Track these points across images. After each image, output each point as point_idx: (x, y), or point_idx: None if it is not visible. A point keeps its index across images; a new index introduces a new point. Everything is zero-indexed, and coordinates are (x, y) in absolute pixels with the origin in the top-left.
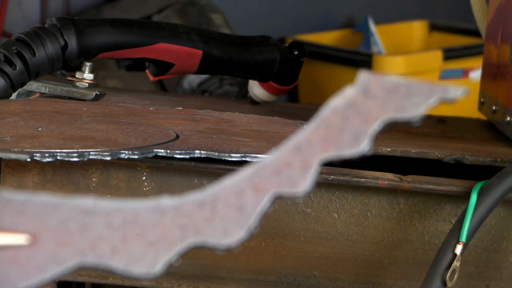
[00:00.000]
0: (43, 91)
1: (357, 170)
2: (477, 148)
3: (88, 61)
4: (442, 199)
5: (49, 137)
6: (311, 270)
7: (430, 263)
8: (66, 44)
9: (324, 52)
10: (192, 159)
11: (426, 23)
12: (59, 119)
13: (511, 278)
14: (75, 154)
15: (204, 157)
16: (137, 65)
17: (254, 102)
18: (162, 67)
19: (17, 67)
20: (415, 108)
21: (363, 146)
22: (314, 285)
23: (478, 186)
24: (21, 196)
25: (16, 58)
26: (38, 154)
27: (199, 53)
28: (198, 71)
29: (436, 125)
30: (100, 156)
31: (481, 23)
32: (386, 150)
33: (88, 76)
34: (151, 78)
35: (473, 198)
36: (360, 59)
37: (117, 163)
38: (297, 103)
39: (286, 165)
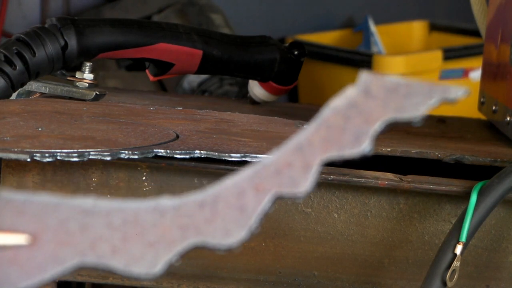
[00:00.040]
0: (43, 91)
1: (357, 170)
2: (477, 148)
3: (88, 61)
4: (442, 199)
5: (49, 137)
6: (311, 270)
7: (430, 263)
8: (66, 44)
9: (324, 52)
10: (192, 159)
11: (426, 23)
12: (59, 119)
13: (511, 278)
14: (75, 154)
15: (204, 157)
16: (137, 65)
17: (254, 102)
18: (162, 67)
19: (17, 67)
20: (416, 108)
21: (364, 146)
22: (314, 285)
23: (478, 186)
24: (21, 196)
25: (16, 58)
26: (38, 154)
27: (199, 53)
28: (198, 71)
29: (436, 125)
30: (100, 156)
31: (481, 23)
32: (386, 150)
33: (88, 76)
34: (151, 78)
35: (473, 198)
36: (360, 59)
37: (117, 163)
38: (297, 103)
39: (287, 165)
